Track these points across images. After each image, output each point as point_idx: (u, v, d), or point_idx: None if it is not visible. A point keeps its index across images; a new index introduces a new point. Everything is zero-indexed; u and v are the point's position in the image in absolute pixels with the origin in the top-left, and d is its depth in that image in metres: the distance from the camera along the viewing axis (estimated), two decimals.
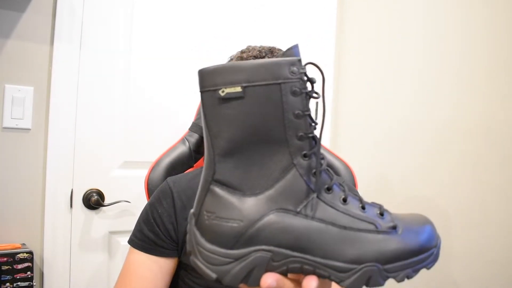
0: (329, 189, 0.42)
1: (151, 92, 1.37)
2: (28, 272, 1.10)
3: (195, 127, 1.06)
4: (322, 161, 0.42)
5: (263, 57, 0.81)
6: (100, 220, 1.30)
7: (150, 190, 0.99)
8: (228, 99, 0.40)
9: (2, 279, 1.06)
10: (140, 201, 1.29)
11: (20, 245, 1.14)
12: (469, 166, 1.23)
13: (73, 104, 1.26)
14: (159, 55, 1.38)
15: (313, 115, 1.63)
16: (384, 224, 0.42)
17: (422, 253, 0.42)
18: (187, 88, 1.41)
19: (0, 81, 1.18)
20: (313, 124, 0.41)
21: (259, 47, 0.84)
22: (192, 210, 0.44)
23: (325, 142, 1.60)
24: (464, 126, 1.25)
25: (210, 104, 0.41)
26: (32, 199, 1.22)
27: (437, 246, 0.43)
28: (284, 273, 0.41)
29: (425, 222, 0.45)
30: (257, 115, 0.40)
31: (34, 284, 1.11)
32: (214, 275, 0.40)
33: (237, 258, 0.40)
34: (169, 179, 0.89)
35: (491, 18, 1.21)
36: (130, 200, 1.32)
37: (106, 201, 1.29)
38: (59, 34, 1.23)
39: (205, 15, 1.45)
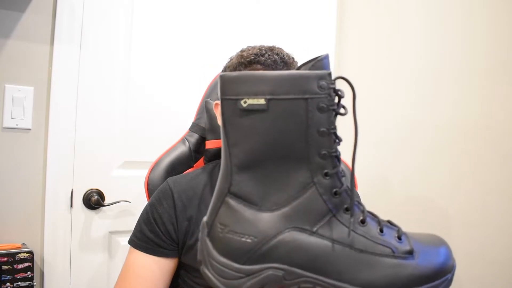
0: (347, 210, 0.40)
1: (151, 92, 1.37)
2: (28, 272, 1.10)
3: (195, 127, 1.06)
4: (343, 179, 0.40)
5: (263, 55, 0.81)
6: (100, 220, 1.30)
7: (150, 190, 0.99)
8: (250, 110, 0.38)
9: (2, 279, 1.06)
10: (140, 201, 1.30)
11: (20, 245, 1.14)
12: (469, 166, 1.23)
13: (73, 104, 1.26)
14: (159, 55, 1.38)
15: None
16: (400, 248, 0.41)
17: (436, 279, 0.41)
18: (187, 88, 1.41)
19: (0, 81, 1.18)
20: (337, 141, 0.39)
21: (259, 46, 0.85)
22: (205, 219, 0.43)
23: None
24: (464, 126, 1.24)
25: (231, 113, 0.39)
26: (32, 199, 1.22)
27: (451, 272, 0.43)
28: None
29: (441, 244, 0.44)
30: (279, 129, 0.38)
31: (34, 284, 1.11)
32: None
33: (248, 274, 0.40)
34: (170, 179, 0.89)
35: (491, 18, 1.20)
36: (130, 200, 1.32)
37: (106, 201, 1.29)
38: (59, 34, 1.23)
39: (205, 14, 1.45)
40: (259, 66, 0.81)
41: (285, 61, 0.82)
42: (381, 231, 0.41)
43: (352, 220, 0.40)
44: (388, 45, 1.50)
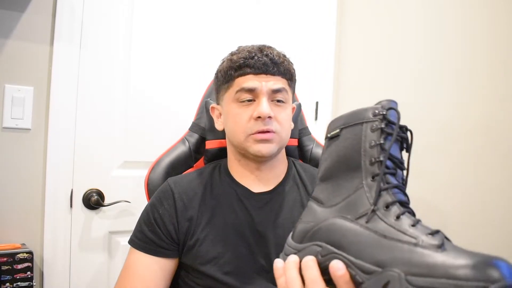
0: (387, 207, 0.45)
1: (151, 92, 1.37)
2: (28, 272, 1.10)
3: (195, 127, 1.06)
4: (393, 180, 0.48)
5: (253, 58, 0.81)
6: (100, 220, 1.30)
7: (150, 190, 0.99)
8: (331, 138, 0.54)
9: (2, 279, 1.06)
10: (140, 201, 1.29)
11: (20, 245, 1.14)
12: (469, 166, 1.23)
13: (73, 104, 1.26)
14: (159, 55, 1.38)
15: (313, 115, 1.63)
16: (428, 241, 0.40)
17: (462, 279, 0.35)
18: (187, 88, 1.41)
19: (0, 81, 1.18)
20: (383, 150, 0.48)
21: (249, 47, 0.84)
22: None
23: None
24: (464, 126, 1.24)
25: (325, 145, 0.55)
26: (32, 199, 1.22)
27: (496, 283, 0.34)
28: (327, 268, 0.45)
29: (497, 257, 0.37)
30: (345, 147, 0.51)
31: (34, 284, 1.11)
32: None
33: (299, 250, 0.50)
34: (170, 179, 0.89)
35: (491, 18, 1.20)
36: (130, 200, 1.32)
37: (106, 201, 1.29)
38: (59, 34, 1.23)
39: (205, 14, 1.45)
40: (248, 70, 0.80)
41: (275, 62, 0.81)
42: (413, 225, 0.43)
43: (375, 197, 0.46)
44: (388, 45, 1.50)
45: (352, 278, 0.43)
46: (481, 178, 1.20)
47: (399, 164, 0.49)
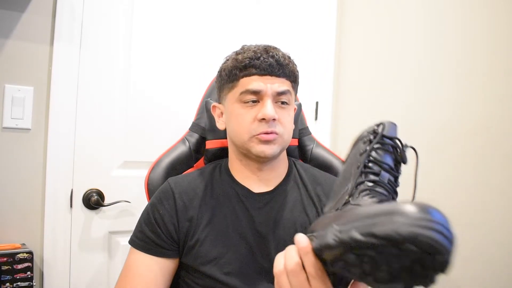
0: (359, 194, 0.52)
1: (151, 92, 1.37)
2: (28, 272, 1.10)
3: (195, 127, 1.06)
4: (372, 176, 0.54)
5: (258, 58, 0.80)
6: (100, 220, 1.30)
7: (150, 190, 0.99)
8: (344, 163, 0.63)
9: (2, 279, 1.06)
10: (140, 201, 1.29)
11: (20, 245, 1.14)
12: (469, 166, 1.23)
13: (73, 104, 1.26)
14: (159, 55, 1.38)
15: (313, 115, 1.63)
16: (369, 201, 0.48)
17: (375, 216, 0.38)
18: (187, 88, 1.41)
19: (0, 81, 1.18)
20: (370, 157, 0.55)
21: (254, 47, 0.84)
22: None
23: (325, 142, 1.60)
24: (464, 126, 1.24)
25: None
26: (32, 199, 1.22)
27: (412, 223, 0.35)
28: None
29: (427, 203, 0.38)
30: (346, 165, 0.61)
31: (34, 284, 1.11)
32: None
33: None
34: (170, 179, 0.89)
35: (491, 18, 1.21)
36: (130, 200, 1.32)
37: (106, 201, 1.29)
38: (59, 34, 1.23)
39: (205, 14, 1.45)
40: (254, 71, 0.80)
41: (280, 63, 0.81)
42: (370, 198, 0.50)
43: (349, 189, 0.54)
44: (388, 45, 1.50)
45: (313, 249, 0.49)
46: (481, 178, 1.20)
47: (387, 168, 0.55)
